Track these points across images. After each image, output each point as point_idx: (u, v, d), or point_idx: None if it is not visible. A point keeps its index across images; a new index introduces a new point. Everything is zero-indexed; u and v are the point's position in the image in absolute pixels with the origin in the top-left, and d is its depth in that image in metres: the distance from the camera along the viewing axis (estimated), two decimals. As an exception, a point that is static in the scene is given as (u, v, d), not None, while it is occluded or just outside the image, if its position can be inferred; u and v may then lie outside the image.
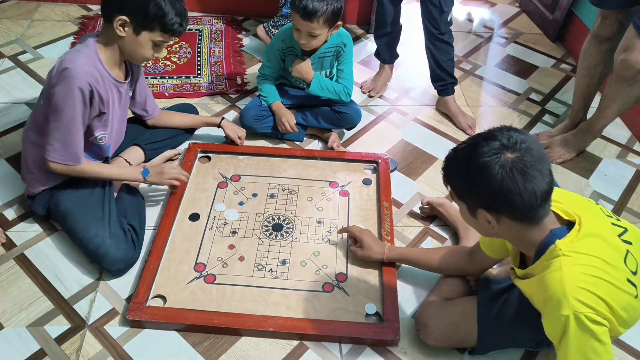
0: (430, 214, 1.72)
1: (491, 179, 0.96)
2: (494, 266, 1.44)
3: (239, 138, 1.88)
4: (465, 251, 1.42)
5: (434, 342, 1.33)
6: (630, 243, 1.09)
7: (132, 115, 1.77)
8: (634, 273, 1.05)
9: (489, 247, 1.29)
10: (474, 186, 1.00)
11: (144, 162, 1.76)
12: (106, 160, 1.62)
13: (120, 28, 1.38)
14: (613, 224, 1.11)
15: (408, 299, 1.47)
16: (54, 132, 1.40)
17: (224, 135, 1.89)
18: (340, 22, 1.71)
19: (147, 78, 2.21)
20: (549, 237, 1.03)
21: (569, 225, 1.06)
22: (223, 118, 1.88)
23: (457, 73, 2.38)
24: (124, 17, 1.36)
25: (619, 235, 1.09)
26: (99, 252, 1.44)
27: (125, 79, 1.54)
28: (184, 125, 1.86)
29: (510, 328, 1.26)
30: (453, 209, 1.66)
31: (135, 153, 1.73)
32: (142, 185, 1.72)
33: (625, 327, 1.06)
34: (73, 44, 2.38)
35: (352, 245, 1.55)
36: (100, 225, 1.46)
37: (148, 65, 2.29)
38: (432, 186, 1.83)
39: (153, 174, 1.58)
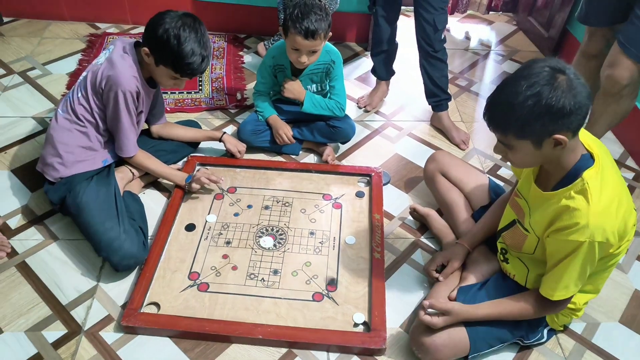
0: (420, 219, 1.77)
1: (566, 102, 1.04)
2: (469, 277, 1.47)
3: (239, 152, 1.93)
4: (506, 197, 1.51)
5: (431, 358, 1.33)
6: None
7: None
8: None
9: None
10: (549, 115, 1.06)
11: (146, 173, 1.81)
12: (119, 162, 1.75)
13: (146, 56, 1.54)
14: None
15: (396, 309, 1.50)
16: (118, 133, 1.62)
17: (224, 148, 1.94)
18: (330, 33, 1.77)
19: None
20: (581, 161, 1.16)
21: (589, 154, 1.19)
22: (224, 132, 1.93)
23: (452, 89, 2.44)
24: (147, 49, 1.52)
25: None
26: (113, 244, 1.49)
27: (154, 86, 1.70)
28: (186, 137, 1.92)
29: (493, 325, 1.32)
30: (438, 222, 1.70)
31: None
32: (140, 196, 1.78)
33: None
34: (81, 61, 2.47)
35: (442, 273, 1.51)
36: (115, 221, 1.53)
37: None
38: (424, 199, 1.86)
39: (194, 180, 1.75)
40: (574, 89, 1.05)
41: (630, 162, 2.11)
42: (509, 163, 1.44)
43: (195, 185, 1.76)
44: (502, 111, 1.11)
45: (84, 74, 1.64)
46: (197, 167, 1.89)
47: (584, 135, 1.22)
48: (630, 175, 2.04)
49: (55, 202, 1.63)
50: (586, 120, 1.15)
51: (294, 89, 1.87)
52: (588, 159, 1.17)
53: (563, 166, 1.18)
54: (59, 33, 2.67)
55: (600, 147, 1.22)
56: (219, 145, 1.95)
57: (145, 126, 1.85)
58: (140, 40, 1.59)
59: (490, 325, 1.33)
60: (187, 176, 1.76)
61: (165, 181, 1.88)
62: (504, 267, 1.43)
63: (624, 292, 1.59)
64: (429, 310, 1.30)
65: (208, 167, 1.91)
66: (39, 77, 2.38)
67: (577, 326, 1.49)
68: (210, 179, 1.76)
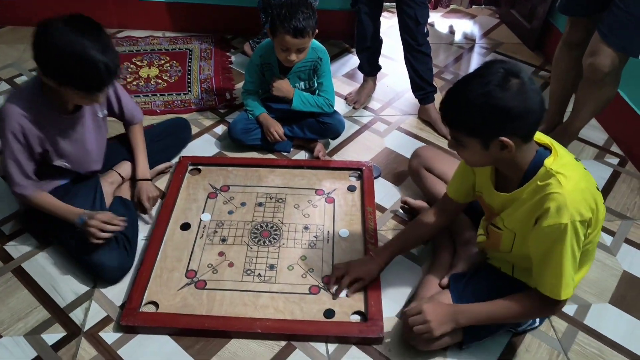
0: (411, 212, 1.79)
1: (514, 105, 1.05)
2: (459, 264, 1.50)
3: (148, 200, 1.74)
4: (433, 210, 1.51)
5: (425, 347, 1.36)
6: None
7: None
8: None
9: (456, 193, 1.43)
10: (496, 117, 1.07)
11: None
12: (88, 175, 1.66)
13: (45, 78, 1.33)
14: None
15: (392, 298, 1.53)
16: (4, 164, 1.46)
17: (214, 149, 1.94)
18: (317, 30, 1.79)
19: (138, 96, 2.29)
20: (537, 157, 1.17)
21: (543, 147, 1.20)
22: (150, 179, 1.79)
23: (438, 83, 2.47)
24: (41, 73, 1.33)
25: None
26: (92, 261, 1.50)
27: (73, 112, 1.51)
28: (132, 146, 1.79)
29: None
30: None
31: (126, 167, 1.79)
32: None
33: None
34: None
35: (352, 287, 1.50)
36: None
37: (140, 84, 2.37)
38: (414, 191, 1.89)
39: (87, 222, 1.46)
40: (525, 93, 1.06)
41: (614, 148, 2.15)
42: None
43: (84, 227, 1.47)
44: (453, 107, 1.14)
45: None
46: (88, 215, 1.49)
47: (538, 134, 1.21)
48: (615, 160, 2.09)
49: (36, 229, 1.64)
50: (538, 128, 1.13)
51: (282, 87, 1.89)
52: (543, 152, 1.19)
53: (519, 167, 1.18)
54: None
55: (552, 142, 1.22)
56: (212, 144, 1.96)
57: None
58: None
59: None
60: (80, 215, 1.47)
61: (157, 182, 1.89)
62: (489, 262, 1.45)
63: (613, 273, 1.63)
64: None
65: (201, 167, 1.92)
66: (26, 83, 2.37)
67: (568, 308, 1.52)
68: (104, 229, 1.46)
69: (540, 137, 1.21)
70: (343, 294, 1.50)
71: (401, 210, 1.82)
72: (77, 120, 1.53)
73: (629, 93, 2.10)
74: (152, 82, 2.39)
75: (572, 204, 1.11)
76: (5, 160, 1.45)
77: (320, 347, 1.41)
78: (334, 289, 1.51)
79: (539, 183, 1.15)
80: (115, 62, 1.32)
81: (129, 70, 2.47)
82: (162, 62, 2.54)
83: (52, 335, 1.41)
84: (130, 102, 1.75)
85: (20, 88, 1.43)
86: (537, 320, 1.43)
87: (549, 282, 1.19)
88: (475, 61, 2.72)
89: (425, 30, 2.04)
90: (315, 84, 1.96)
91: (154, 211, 1.77)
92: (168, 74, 2.46)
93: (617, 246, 1.72)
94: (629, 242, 1.74)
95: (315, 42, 1.88)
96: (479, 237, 1.40)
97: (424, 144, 2.11)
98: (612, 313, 1.52)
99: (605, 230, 1.77)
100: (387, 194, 1.89)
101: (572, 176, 1.13)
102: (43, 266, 1.59)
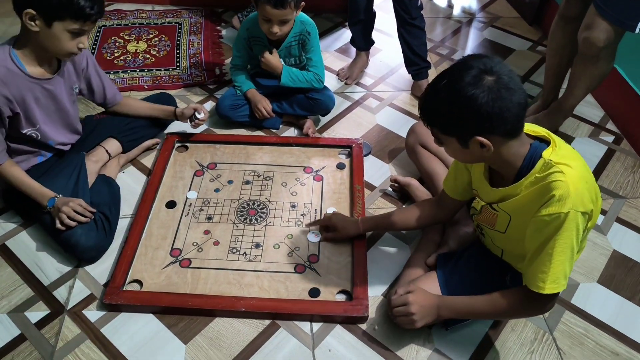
0: (401, 191, 1.77)
1: (484, 104, 1.01)
2: (449, 242, 1.50)
3: (196, 111, 1.80)
4: (432, 201, 1.50)
5: (409, 326, 1.33)
6: None
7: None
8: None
9: (453, 191, 1.38)
10: (467, 115, 1.03)
11: (123, 152, 1.79)
12: (61, 151, 1.65)
13: (31, 22, 1.33)
14: None
15: (379, 277, 1.52)
16: None
17: (201, 126, 1.90)
18: (303, 2, 1.74)
19: (126, 71, 2.25)
20: (532, 150, 1.12)
21: (539, 140, 1.15)
22: (176, 107, 1.87)
23: (434, 57, 2.42)
24: (31, 10, 1.32)
25: None
26: (70, 241, 1.48)
27: (53, 74, 1.50)
28: (143, 111, 1.84)
29: (472, 293, 1.29)
30: (419, 190, 1.70)
31: (113, 144, 1.76)
32: (120, 175, 1.77)
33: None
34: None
35: (325, 233, 1.58)
36: None
37: (127, 59, 2.33)
38: (405, 169, 1.86)
39: (57, 205, 1.46)
40: (499, 92, 1.01)
41: (610, 125, 2.12)
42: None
43: (54, 211, 1.47)
44: (428, 104, 1.10)
45: None
46: (56, 200, 1.49)
47: (529, 126, 1.17)
48: (610, 138, 2.05)
49: (15, 207, 1.61)
50: (521, 125, 1.08)
51: (271, 61, 1.84)
52: (539, 145, 1.13)
53: (510, 164, 1.13)
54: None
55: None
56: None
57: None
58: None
59: (470, 293, 1.30)
60: (50, 198, 1.48)
61: (144, 159, 1.87)
62: (481, 240, 1.42)
63: (602, 252, 1.61)
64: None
65: (188, 144, 1.90)
66: (12, 58, 2.33)
67: (556, 288, 1.51)
68: (74, 218, 1.46)
69: (535, 128, 1.16)
70: (312, 237, 1.57)
71: (390, 189, 1.79)
72: (53, 86, 1.50)
73: (626, 69, 2.06)
74: (139, 57, 2.34)
75: (576, 193, 1.05)
76: None
77: (305, 326, 1.40)
78: (310, 224, 1.60)
79: (537, 175, 1.10)
80: None
81: (117, 44, 2.41)
82: (151, 36, 2.49)
83: (36, 314, 1.41)
84: (110, 82, 1.74)
85: None
86: None
87: (537, 274, 1.11)
88: (472, 35, 2.66)
89: (419, 3, 1.99)
90: (305, 59, 1.92)
91: (139, 189, 1.75)
92: (156, 49, 2.41)
93: (608, 225, 1.70)
94: (620, 221, 1.72)
95: (303, 15, 1.82)
96: (472, 210, 1.36)
97: (417, 122, 2.07)
98: (600, 292, 1.51)
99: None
100: (376, 172, 1.86)
101: (575, 166, 1.08)
102: (27, 244, 1.58)
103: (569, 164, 1.08)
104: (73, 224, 1.46)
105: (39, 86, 1.48)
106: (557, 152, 1.10)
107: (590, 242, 1.63)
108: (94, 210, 1.52)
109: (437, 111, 1.08)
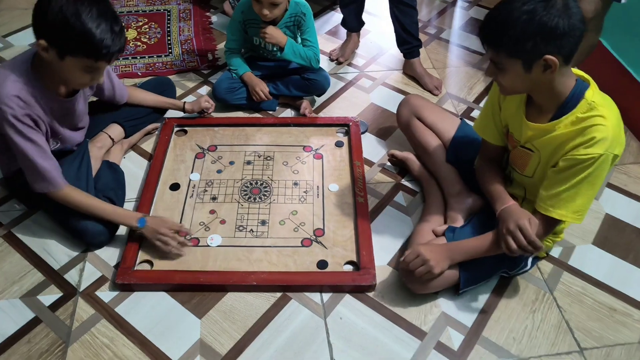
0: (399, 164, 1.81)
1: (560, 21, 1.06)
2: (456, 217, 1.53)
3: (208, 103, 1.89)
4: (484, 167, 1.48)
5: (422, 290, 1.40)
6: None
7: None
8: None
9: (489, 134, 1.43)
10: (543, 33, 1.07)
11: (125, 137, 1.80)
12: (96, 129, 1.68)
13: (44, 52, 1.27)
14: None
15: (383, 248, 1.56)
16: (21, 163, 1.41)
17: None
18: None
19: (118, 59, 2.25)
20: (577, 86, 1.18)
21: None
22: (185, 102, 1.90)
23: (423, 37, 2.45)
24: (43, 42, 1.25)
25: None
26: (77, 228, 1.49)
27: (69, 96, 1.46)
28: (149, 102, 1.84)
29: (481, 261, 1.36)
30: (417, 164, 1.75)
31: (116, 129, 1.77)
32: (122, 161, 1.78)
33: None
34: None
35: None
36: None
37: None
38: (402, 145, 1.90)
39: (149, 228, 1.46)
40: (569, 9, 1.07)
41: (596, 96, 2.18)
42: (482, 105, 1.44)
43: (147, 233, 1.47)
44: (496, 27, 1.13)
45: None
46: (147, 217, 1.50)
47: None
48: (596, 109, 2.12)
49: (20, 195, 1.61)
50: (576, 50, 1.14)
51: (275, 33, 1.84)
52: (582, 83, 1.20)
53: (557, 94, 1.19)
54: (15, 4, 2.58)
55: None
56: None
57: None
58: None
59: (479, 261, 1.36)
60: (140, 218, 1.46)
61: (144, 144, 1.88)
62: (506, 188, 1.43)
63: (596, 216, 1.68)
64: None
65: (187, 128, 1.91)
66: (1, 50, 2.31)
67: (554, 251, 1.57)
68: (170, 245, 1.47)
69: (575, 70, 1.23)
70: None
71: (389, 163, 1.83)
72: (72, 103, 1.48)
73: (610, 41, 2.12)
74: (131, 45, 2.34)
75: (613, 137, 1.14)
76: (23, 152, 1.35)
77: (315, 296, 1.44)
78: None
79: (579, 115, 1.17)
80: (123, 30, 1.30)
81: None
82: (140, 24, 2.48)
83: (49, 297, 1.42)
84: (118, 81, 1.73)
85: (3, 74, 1.31)
86: (529, 263, 1.42)
87: (562, 203, 1.21)
88: (458, 15, 2.70)
89: (410, -19, 2.02)
90: (300, 40, 1.94)
91: (142, 174, 1.77)
92: (147, 36, 2.40)
93: (600, 191, 1.77)
94: (611, 186, 1.79)
95: (297, -5, 1.85)
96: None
97: (410, 94, 2.11)
98: (595, 253, 1.57)
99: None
100: (374, 148, 1.90)
101: (614, 110, 1.18)
102: (33, 231, 1.58)
103: (609, 107, 1.16)
104: (174, 243, 1.47)
105: (58, 103, 1.44)
106: (598, 94, 1.18)
107: (584, 207, 1.69)
108: (188, 231, 1.54)
109: (510, 32, 1.10)
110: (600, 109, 1.15)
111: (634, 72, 2.00)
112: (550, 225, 1.29)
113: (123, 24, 1.31)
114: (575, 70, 1.23)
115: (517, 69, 1.15)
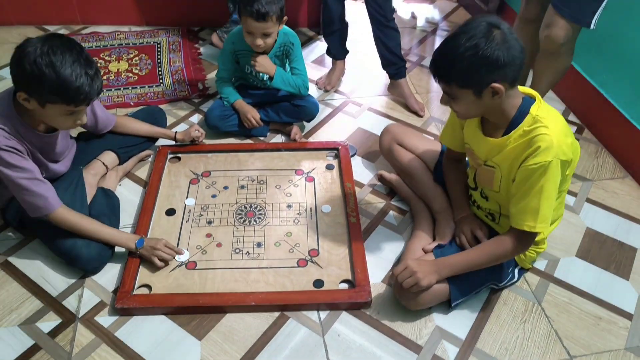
0: (388, 184, 1.88)
1: (500, 53, 1.16)
2: (444, 233, 1.59)
3: (198, 132, 1.95)
4: (450, 167, 1.64)
5: (415, 306, 1.44)
6: None
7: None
8: None
9: (451, 142, 1.58)
10: (487, 65, 1.17)
11: (119, 164, 1.84)
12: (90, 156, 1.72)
13: (25, 102, 1.33)
14: None
15: (377, 265, 1.61)
16: (13, 192, 1.44)
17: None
18: (286, 17, 1.84)
19: (110, 90, 2.30)
20: (523, 104, 1.29)
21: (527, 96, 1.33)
22: (176, 132, 1.95)
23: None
24: (23, 94, 1.31)
25: None
26: (71, 254, 1.51)
27: (49, 132, 1.50)
28: (142, 132, 1.88)
29: (470, 274, 1.41)
30: (403, 185, 1.82)
31: (109, 156, 1.80)
32: (118, 189, 1.81)
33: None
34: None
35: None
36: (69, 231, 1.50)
37: (110, 78, 2.37)
38: (390, 166, 1.97)
39: (146, 247, 1.53)
40: (507, 42, 1.18)
41: (572, 117, 2.29)
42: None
43: (145, 252, 1.53)
44: (445, 63, 1.23)
45: None
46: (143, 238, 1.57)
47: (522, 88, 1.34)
48: (573, 129, 2.22)
49: (14, 225, 1.63)
50: (522, 72, 1.25)
51: (265, 63, 1.91)
52: (529, 100, 1.31)
53: (506, 113, 1.30)
54: (6, 38, 2.62)
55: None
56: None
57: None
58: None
59: (468, 275, 1.42)
60: (138, 239, 1.53)
61: (138, 172, 1.91)
62: (475, 212, 1.56)
63: (577, 230, 1.76)
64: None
65: (180, 155, 1.95)
66: (-7, 83, 2.35)
67: (540, 264, 1.64)
68: (165, 259, 1.54)
69: (522, 88, 1.34)
70: None
71: (379, 183, 1.89)
72: (54, 138, 1.54)
73: (582, 64, 2.24)
74: (122, 76, 2.39)
75: (558, 143, 1.23)
76: (13, 181, 1.39)
77: (313, 315, 1.48)
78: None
79: (525, 129, 1.27)
80: (98, 74, 1.36)
81: (98, 65, 2.45)
82: (131, 55, 2.54)
83: (47, 324, 1.43)
84: (102, 109, 1.76)
85: None
86: (516, 275, 1.53)
87: (527, 215, 1.29)
88: (438, 43, 2.82)
89: (393, 6, 2.12)
90: (289, 69, 2.02)
91: (137, 200, 1.80)
92: (138, 67, 2.46)
93: (579, 205, 1.85)
94: (590, 201, 1.87)
95: (286, 28, 1.93)
96: (469, 178, 1.54)
97: (391, 123, 2.20)
98: (579, 265, 1.64)
99: (568, 192, 1.89)
100: (363, 170, 1.97)
101: (557, 120, 1.28)
102: (30, 258, 1.59)
103: (552, 118, 1.26)
104: (169, 258, 1.55)
105: (38, 138, 1.48)
106: (542, 107, 1.28)
107: (565, 221, 1.76)
108: (180, 250, 1.59)
109: (458, 66, 1.20)
110: (543, 121, 1.25)
111: (605, 93, 2.11)
112: (527, 239, 1.35)
113: (97, 65, 1.37)
114: (522, 88, 1.34)
115: (468, 97, 1.25)
